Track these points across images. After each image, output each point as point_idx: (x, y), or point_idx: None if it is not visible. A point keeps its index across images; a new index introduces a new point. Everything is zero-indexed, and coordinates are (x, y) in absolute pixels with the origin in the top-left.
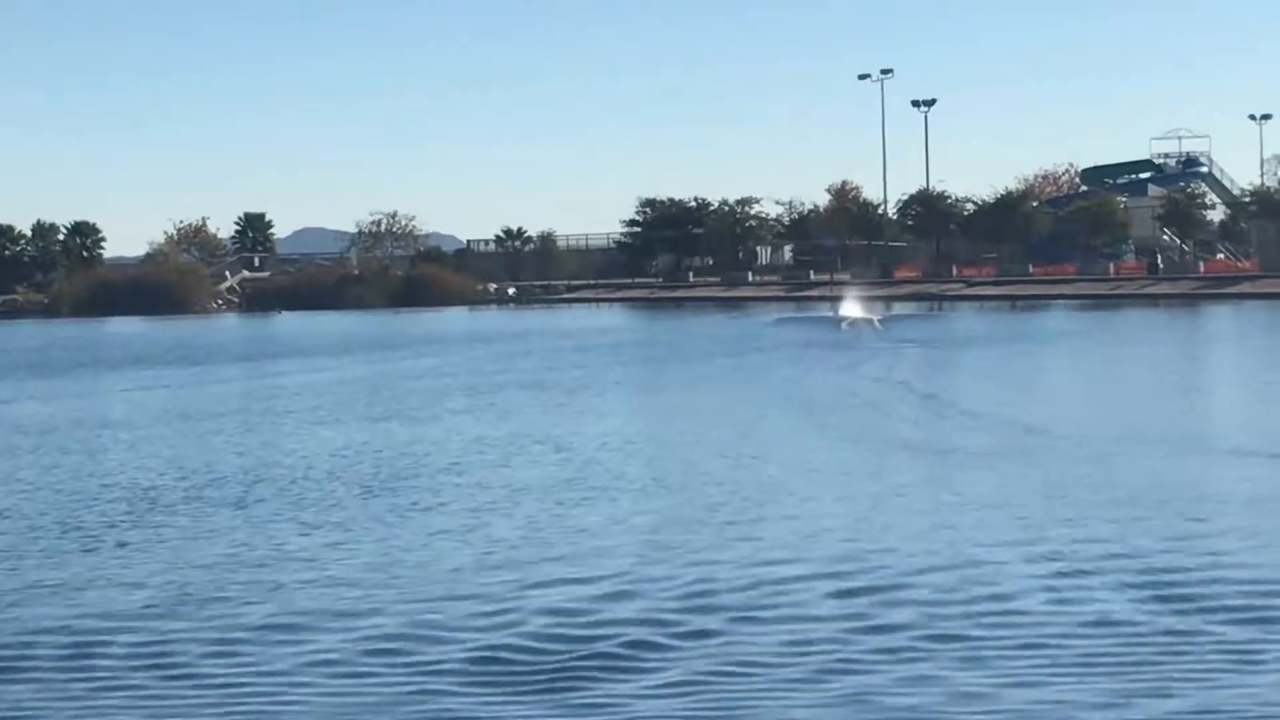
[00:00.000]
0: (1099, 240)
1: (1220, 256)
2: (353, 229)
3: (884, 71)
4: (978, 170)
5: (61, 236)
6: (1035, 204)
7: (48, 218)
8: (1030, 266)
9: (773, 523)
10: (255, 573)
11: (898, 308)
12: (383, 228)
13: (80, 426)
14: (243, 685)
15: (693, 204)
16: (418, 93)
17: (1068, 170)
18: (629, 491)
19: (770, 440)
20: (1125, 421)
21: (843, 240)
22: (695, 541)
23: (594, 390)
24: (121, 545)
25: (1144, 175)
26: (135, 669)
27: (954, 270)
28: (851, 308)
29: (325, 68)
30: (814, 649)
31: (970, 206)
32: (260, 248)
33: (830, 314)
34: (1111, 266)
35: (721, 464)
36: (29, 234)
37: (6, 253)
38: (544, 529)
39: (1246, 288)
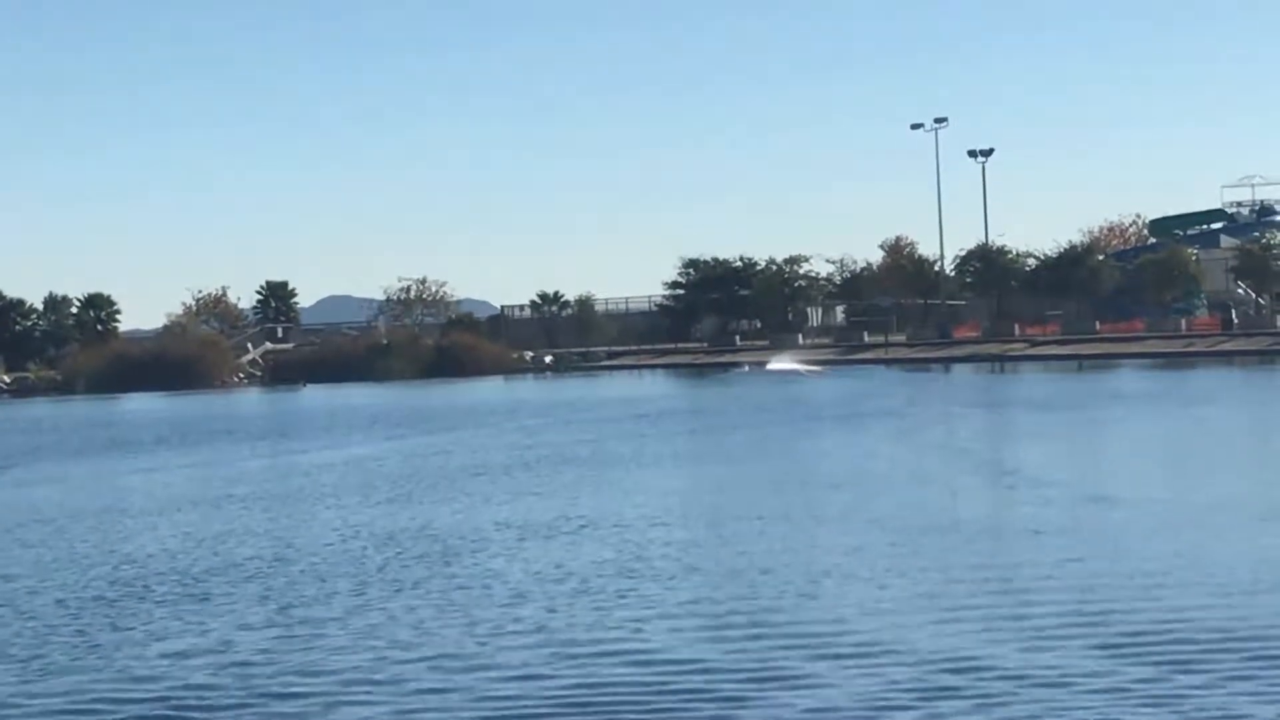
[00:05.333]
0: (1169, 295)
1: None
2: (380, 296)
3: (938, 120)
4: (1039, 223)
5: (74, 309)
6: (1101, 257)
7: (59, 289)
8: (1097, 324)
9: (809, 612)
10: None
11: (956, 369)
12: (412, 294)
13: (94, 512)
14: None
15: (738, 263)
16: (446, 153)
17: (1135, 221)
18: (659, 578)
19: (813, 518)
20: (1199, 491)
21: (898, 299)
22: (728, 633)
23: (633, 465)
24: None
25: (1216, 225)
26: None
27: (1016, 329)
28: (781, 362)
29: (347, 129)
30: None
31: (1032, 261)
32: (283, 318)
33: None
34: (1183, 322)
35: (761, 548)
36: (40, 307)
37: (17, 327)
38: (574, 617)
39: None
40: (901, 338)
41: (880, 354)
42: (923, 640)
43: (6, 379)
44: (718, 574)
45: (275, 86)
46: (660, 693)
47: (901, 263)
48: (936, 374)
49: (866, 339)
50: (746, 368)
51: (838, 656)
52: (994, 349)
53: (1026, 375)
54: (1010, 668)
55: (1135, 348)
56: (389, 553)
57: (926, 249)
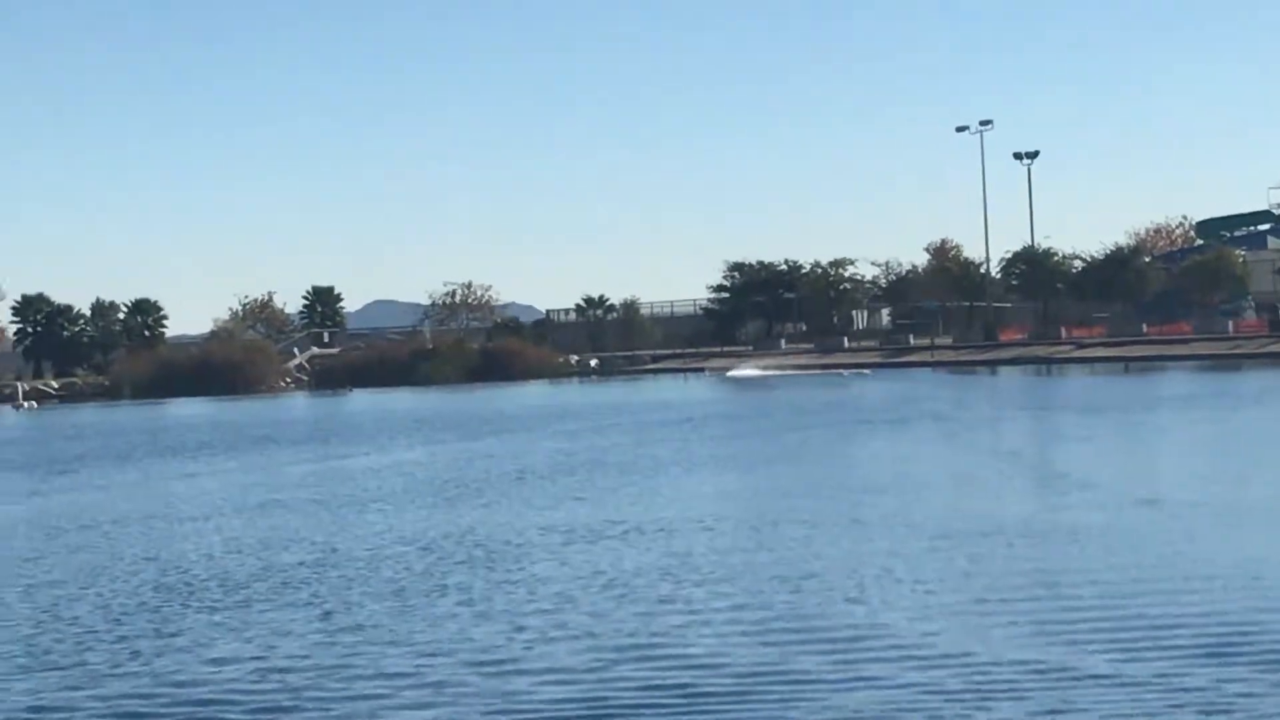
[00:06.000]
0: (1216, 297)
1: None
2: (426, 301)
3: (983, 123)
4: (1085, 225)
5: (122, 315)
6: (1147, 260)
7: (107, 296)
8: (1144, 326)
9: (847, 615)
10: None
11: (1002, 372)
12: (457, 299)
13: (139, 518)
14: None
15: (783, 266)
16: (491, 158)
17: (1182, 223)
18: (705, 582)
19: (859, 522)
20: (1247, 494)
21: (943, 302)
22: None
23: (677, 470)
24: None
25: (1263, 226)
26: None
27: (1062, 331)
28: (745, 369)
29: (393, 134)
30: None
31: (1078, 264)
32: (329, 323)
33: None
34: (1230, 324)
35: (807, 552)
36: (88, 313)
37: (65, 333)
38: (619, 621)
39: None
40: (947, 340)
41: (926, 356)
42: (971, 644)
43: (55, 384)
44: (764, 578)
45: (321, 92)
46: (706, 696)
47: (947, 265)
48: (983, 376)
49: (912, 342)
50: (706, 373)
51: (885, 660)
52: (1040, 351)
53: (1073, 378)
54: (1058, 671)
55: (1182, 350)
56: (433, 557)
57: (972, 252)
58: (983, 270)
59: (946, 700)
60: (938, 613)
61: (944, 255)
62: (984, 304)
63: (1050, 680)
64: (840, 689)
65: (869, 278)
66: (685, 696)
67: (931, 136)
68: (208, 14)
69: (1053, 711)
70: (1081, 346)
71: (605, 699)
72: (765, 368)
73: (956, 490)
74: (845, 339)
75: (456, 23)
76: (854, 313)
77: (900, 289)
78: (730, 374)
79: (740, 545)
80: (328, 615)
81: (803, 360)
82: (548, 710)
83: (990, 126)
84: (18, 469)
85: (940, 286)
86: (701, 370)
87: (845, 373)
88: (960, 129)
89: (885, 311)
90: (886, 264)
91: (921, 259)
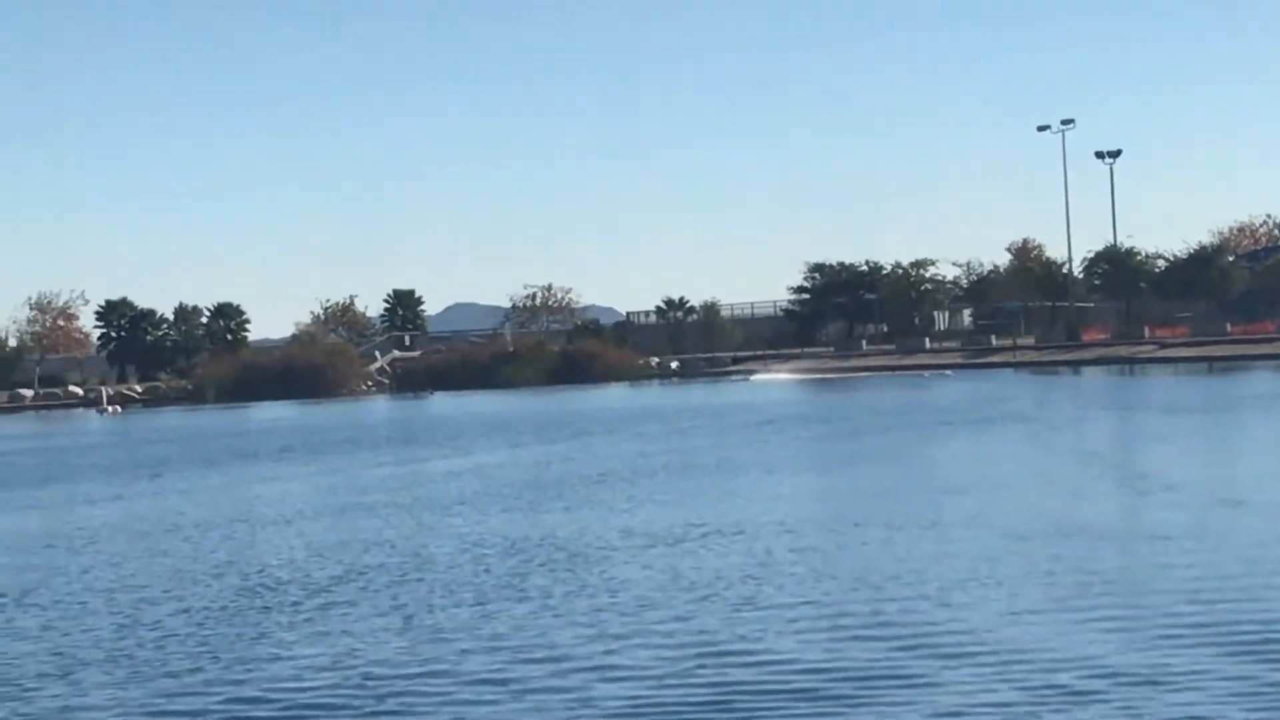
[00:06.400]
0: None
1: None
2: (506, 304)
3: (1065, 122)
4: (1168, 224)
5: (205, 319)
6: (1231, 259)
7: (190, 300)
8: (1227, 325)
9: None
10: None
11: (1085, 372)
12: (538, 301)
13: (222, 522)
14: None
15: (864, 268)
16: (570, 160)
17: (1266, 221)
18: (787, 584)
19: (941, 524)
20: None
21: (1025, 302)
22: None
23: (758, 472)
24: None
25: None
26: None
27: (1145, 331)
28: (768, 376)
29: (472, 138)
30: None
31: (1161, 263)
32: (410, 326)
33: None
34: None
35: (890, 554)
36: (171, 318)
37: (149, 338)
38: (702, 624)
39: None
40: (1029, 341)
41: (1008, 357)
42: (1054, 645)
43: (138, 388)
44: (845, 580)
45: (399, 97)
46: (788, 698)
47: (1029, 265)
48: (1065, 377)
49: (994, 342)
50: (731, 379)
51: (967, 661)
52: (1123, 351)
53: (1156, 378)
54: (1141, 672)
55: (1266, 349)
56: (514, 560)
57: (1054, 251)
58: (1065, 270)
59: (1030, 701)
60: (1020, 614)
61: (1026, 255)
62: (1066, 304)
63: (1132, 682)
64: (923, 690)
65: (950, 278)
66: (767, 697)
67: (1013, 136)
68: (298, 24)
69: (1135, 713)
70: (1164, 346)
71: (687, 701)
72: (793, 372)
73: (1038, 491)
74: (927, 340)
75: (537, 33)
76: (935, 313)
77: (982, 289)
78: (754, 379)
79: (821, 546)
80: (409, 618)
81: (833, 364)
82: (629, 712)
83: (1072, 126)
84: (102, 473)
85: (1022, 286)
86: (729, 374)
87: (927, 374)
88: (1042, 128)
89: (967, 312)
90: (968, 264)
91: (1003, 259)
